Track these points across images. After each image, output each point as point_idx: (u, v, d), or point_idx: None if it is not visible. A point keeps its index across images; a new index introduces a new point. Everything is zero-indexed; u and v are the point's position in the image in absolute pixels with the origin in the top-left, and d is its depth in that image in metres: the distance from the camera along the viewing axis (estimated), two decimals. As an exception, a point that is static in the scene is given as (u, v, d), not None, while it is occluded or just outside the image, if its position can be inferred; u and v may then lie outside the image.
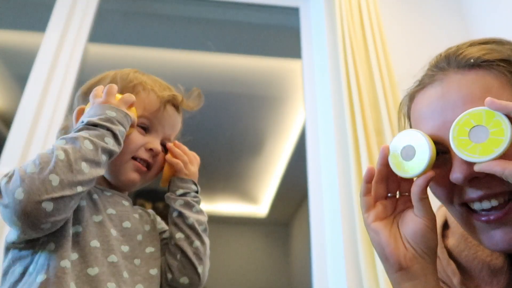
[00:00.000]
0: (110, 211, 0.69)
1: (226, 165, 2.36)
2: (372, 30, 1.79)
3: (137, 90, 0.74)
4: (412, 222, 0.54)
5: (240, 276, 2.11)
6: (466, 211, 0.55)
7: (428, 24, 2.04)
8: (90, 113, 0.65)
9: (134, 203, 0.77)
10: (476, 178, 0.51)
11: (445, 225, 0.70)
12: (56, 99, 1.68)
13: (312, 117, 1.86)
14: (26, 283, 0.57)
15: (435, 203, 0.77)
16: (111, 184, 0.74)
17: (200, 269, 0.72)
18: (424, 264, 0.53)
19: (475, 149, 0.48)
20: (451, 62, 0.57)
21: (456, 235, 0.66)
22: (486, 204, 0.52)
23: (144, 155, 0.73)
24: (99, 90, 0.69)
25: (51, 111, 1.64)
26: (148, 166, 0.74)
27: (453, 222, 0.68)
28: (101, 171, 0.61)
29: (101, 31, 1.96)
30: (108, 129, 0.62)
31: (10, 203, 0.52)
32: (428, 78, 0.59)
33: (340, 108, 1.71)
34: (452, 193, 0.56)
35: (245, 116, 2.36)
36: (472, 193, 0.53)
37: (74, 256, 0.60)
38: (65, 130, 0.77)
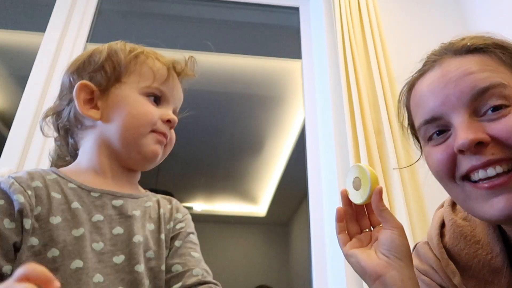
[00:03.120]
0: (97, 217, 0.60)
1: (226, 165, 2.37)
2: (372, 30, 1.79)
3: (142, 59, 0.68)
4: (381, 235, 0.59)
5: (239, 276, 2.11)
6: (468, 184, 0.56)
7: (428, 24, 2.04)
8: None
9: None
10: (481, 143, 0.52)
11: (442, 225, 0.70)
12: (56, 99, 1.68)
13: (311, 117, 1.86)
14: None
15: (434, 205, 0.77)
16: (117, 169, 0.65)
17: None
18: (399, 269, 0.56)
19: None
20: (448, 51, 0.61)
21: (454, 233, 0.67)
22: (491, 171, 0.52)
23: (162, 127, 0.66)
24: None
25: (51, 111, 1.64)
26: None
27: (450, 221, 0.68)
28: None
29: (100, 31, 1.96)
30: None
31: None
32: (428, 65, 0.62)
33: (340, 108, 1.71)
34: (453, 168, 0.56)
35: (245, 116, 2.36)
36: (476, 160, 0.53)
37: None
38: (56, 115, 0.69)
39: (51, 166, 0.69)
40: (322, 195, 1.69)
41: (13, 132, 1.57)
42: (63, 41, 1.81)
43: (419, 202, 1.47)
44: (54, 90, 1.69)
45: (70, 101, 0.67)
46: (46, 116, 0.70)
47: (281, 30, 2.36)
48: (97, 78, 0.66)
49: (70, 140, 0.69)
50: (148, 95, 0.67)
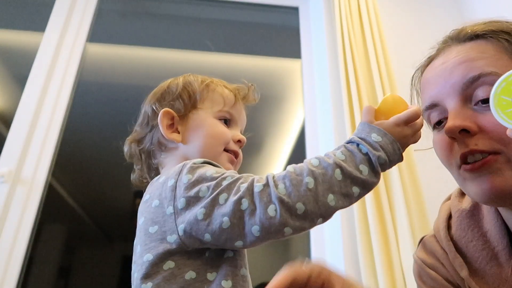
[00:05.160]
0: None
1: (226, 164, 2.36)
2: (371, 30, 1.79)
3: (212, 88, 0.76)
4: None
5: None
6: (463, 169, 0.56)
7: (428, 23, 2.04)
8: (357, 131, 0.61)
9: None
10: (466, 131, 0.53)
11: (449, 218, 0.69)
12: (55, 99, 1.68)
13: (311, 116, 1.86)
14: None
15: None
16: None
17: None
18: None
19: None
20: (453, 39, 0.62)
21: (462, 225, 0.66)
22: (478, 156, 0.54)
23: (234, 147, 0.75)
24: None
25: (50, 111, 1.64)
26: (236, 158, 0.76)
27: (456, 212, 0.68)
28: (349, 204, 0.56)
29: (100, 31, 1.96)
30: (366, 154, 0.56)
31: (261, 214, 0.53)
32: (435, 52, 0.64)
33: (339, 107, 1.71)
34: (451, 155, 0.58)
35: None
36: (464, 148, 0.54)
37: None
38: (137, 142, 0.77)
39: (134, 187, 0.80)
40: (322, 195, 1.69)
41: (12, 132, 1.57)
42: (62, 41, 1.81)
43: (419, 202, 1.47)
44: (53, 90, 1.69)
45: (153, 127, 0.75)
46: (129, 143, 0.78)
47: (280, 30, 2.36)
48: (176, 106, 0.74)
49: (154, 161, 0.77)
50: (220, 118, 0.75)
